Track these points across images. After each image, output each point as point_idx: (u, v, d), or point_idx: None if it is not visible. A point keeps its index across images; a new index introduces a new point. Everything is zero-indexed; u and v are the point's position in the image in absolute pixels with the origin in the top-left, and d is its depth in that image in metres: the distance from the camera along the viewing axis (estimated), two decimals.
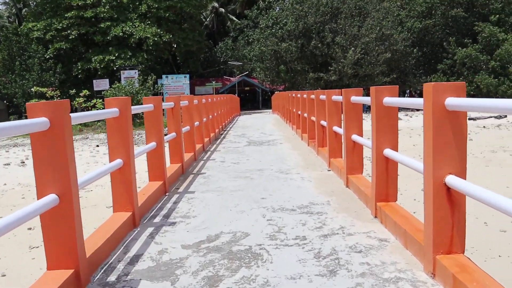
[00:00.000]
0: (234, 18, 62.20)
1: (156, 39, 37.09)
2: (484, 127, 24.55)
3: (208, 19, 64.67)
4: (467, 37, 41.79)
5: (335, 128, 6.69)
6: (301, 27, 36.64)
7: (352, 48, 35.08)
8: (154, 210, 4.72)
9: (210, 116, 11.82)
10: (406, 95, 53.64)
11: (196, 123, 9.25)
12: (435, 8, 43.30)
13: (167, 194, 5.47)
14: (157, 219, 4.38)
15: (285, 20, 37.64)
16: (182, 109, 8.18)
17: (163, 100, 6.38)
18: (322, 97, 7.92)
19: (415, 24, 42.73)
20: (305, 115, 10.39)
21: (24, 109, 31.09)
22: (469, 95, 39.51)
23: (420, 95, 48.67)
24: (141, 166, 6.43)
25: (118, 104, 4.11)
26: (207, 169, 7.18)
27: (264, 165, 7.38)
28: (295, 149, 9.39)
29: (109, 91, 27.36)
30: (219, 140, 12.10)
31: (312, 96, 9.19)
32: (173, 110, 6.90)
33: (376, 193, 4.10)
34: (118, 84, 27.78)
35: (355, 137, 5.35)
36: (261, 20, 41.27)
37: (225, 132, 14.95)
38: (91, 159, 14.76)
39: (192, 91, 45.42)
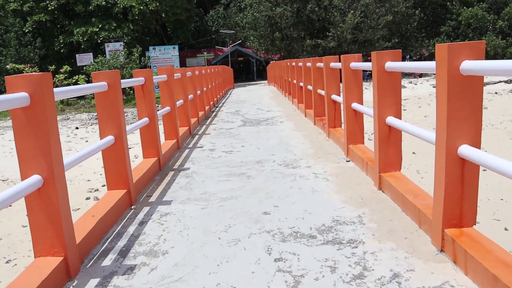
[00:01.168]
0: None
1: (142, 7, 35.14)
2: (496, 93, 23.06)
3: None
4: None
5: (355, 105, 5.23)
6: None
7: (351, 11, 33.18)
8: (107, 241, 3.27)
9: (199, 92, 10.30)
10: (406, 60, 51.95)
11: (179, 101, 7.75)
12: None
13: (132, 207, 4.03)
14: (107, 261, 2.93)
15: None
16: (160, 84, 6.68)
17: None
18: (334, 65, 6.43)
19: None
20: (310, 87, 8.90)
21: (3, 87, 29.30)
22: None
23: (420, 59, 47.10)
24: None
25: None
26: (192, 162, 5.73)
27: (263, 154, 5.93)
28: (299, 129, 7.93)
29: (91, 66, 25.64)
30: (210, 119, 10.61)
31: (320, 64, 7.68)
32: (143, 87, 5.39)
33: (445, 216, 2.66)
34: (101, 58, 26.01)
35: (392, 120, 3.88)
36: None
37: (217, 108, 13.44)
38: (65, 145, 13.28)
39: (183, 63, 43.68)
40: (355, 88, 5.30)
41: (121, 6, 34.80)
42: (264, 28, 37.48)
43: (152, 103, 5.37)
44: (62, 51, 35.80)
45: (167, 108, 6.47)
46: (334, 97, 6.57)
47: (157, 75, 6.50)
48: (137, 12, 34.80)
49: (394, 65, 3.74)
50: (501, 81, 28.21)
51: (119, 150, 3.98)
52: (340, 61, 5.53)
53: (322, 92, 7.70)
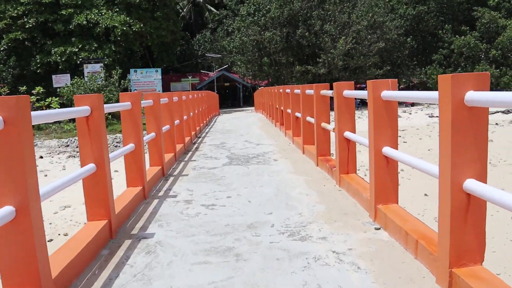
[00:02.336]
0: (212, 9, 59.17)
1: (125, 28, 33.79)
2: (497, 124, 21.96)
3: (185, 10, 61.50)
4: (463, 24, 39.45)
5: (387, 150, 3.78)
6: (286, 14, 33.71)
7: (343, 37, 32.24)
8: None
9: (177, 122, 8.80)
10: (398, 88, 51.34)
11: (150, 135, 6.24)
12: None
13: None
14: None
15: (268, 7, 34.67)
16: (121, 114, 5.17)
17: None
18: (349, 93, 5.05)
19: (407, 10, 40.17)
20: (310, 119, 7.48)
21: None
22: None
23: (409, 87, 46.39)
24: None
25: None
26: (159, 223, 4.18)
27: (257, 212, 4.42)
28: (299, 172, 6.43)
29: (65, 88, 24.02)
30: (190, 153, 9.09)
31: (326, 92, 6.29)
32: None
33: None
34: (76, 79, 24.42)
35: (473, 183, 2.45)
36: (241, 8, 38.17)
37: (200, 139, 11.93)
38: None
39: (167, 87, 42.36)
40: (388, 127, 3.86)
41: (103, 26, 33.39)
42: (252, 53, 36.36)
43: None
44: (38, 71, 34.10)
45: (130, 146, 4.94)
46: (348, 135, 5.13)
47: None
48: (119, 33, 33.41)
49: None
50: (499, 111, 27.26)
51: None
52: (356, 88, 4.36)
53: (328, 127, 6.26)
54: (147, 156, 7.93)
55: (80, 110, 3.46)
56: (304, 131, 7.96)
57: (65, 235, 6.61)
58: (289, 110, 10.36)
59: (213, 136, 12.60)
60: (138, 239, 3.76)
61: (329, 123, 6.57)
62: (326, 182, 5.60)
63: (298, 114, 8.96)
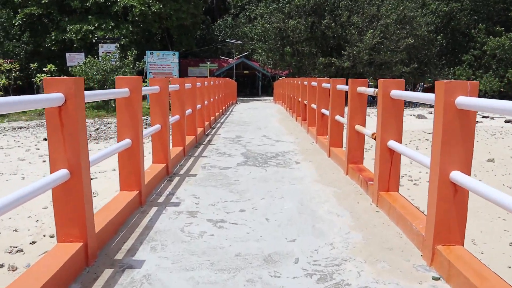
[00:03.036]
0: None
1: (143, 8, 32.96)
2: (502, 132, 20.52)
3: None
4: (498, 25, 37.84)
5: (460, 178, 2.88)
6: (312, 3, 32.54)
7: (371, 30, 31.02)
8: None
9: (189, 111, 7.95)
10: (419, 88, 50.03)
11: (155, 127, 5.41)
12: None
13: None
14: None
15: None
16: (117, 102, 4.32)
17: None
18: (397, 94, 4.16)
19: (440, 6, 38.65)
20: (340, 119, 6.61)
21: None
22: (499, 92, 35.63)
23: (433, 88, 45.06)
24: None
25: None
26: (152, 246, 3.33)
27: (276, 236, 3.55)
28: (326, 181, 5.54)
29: (77, 68, 23.27)
30: (201, 147, 8.23)
31: (364, 90, 5.38)
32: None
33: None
34: (89, 59, 23.66)
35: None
36: None
37: (214, 130, 11.08)
38: (9, 166, 10.93)
39: (185, 73, 41.60)
40: (460, 144, 2.94)
41: (121, 5, 32.59)
42: (274, 41, 35.30)
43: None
44: (53, 48, 33.47)
45: (126, 142, 4.09)
46: (394, 145, 4.22)
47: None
48: (138, 13, 32.58)
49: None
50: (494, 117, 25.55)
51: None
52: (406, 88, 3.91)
53: (365, 131, 5.36)
54: (148, 150, 7.10)
55: (46, 99, 2.61)
56: (332, 131, 7.06)
57: (51, 237, 5.82)
58: (314, 105, 9.45)
59: (229, 127, 11.72)
60: (122, 269, 2.92)
61: (364, 125, 5.66)
62: (360, 198, 4.70)
63: (325, 111, 8.06)
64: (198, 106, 9.24)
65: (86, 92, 2.99)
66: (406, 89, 4.51)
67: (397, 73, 33.73)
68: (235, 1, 54.57)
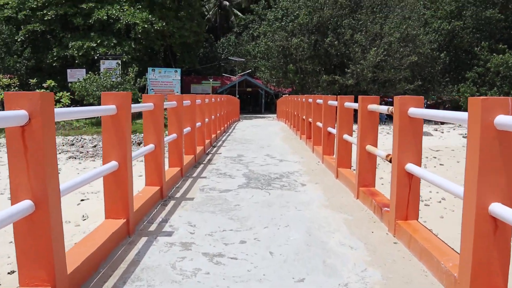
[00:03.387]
0: (238, 13, 58.16)
1: (146, 26, 32.75)
2: None
3: (210, 13, 60.68)
4: (501, 43, 37.53)
5: (501, 212, 2.40)
6: (315, 21, 32.30)
7: (374, 48, 30.72)
8: None
9: (187, 129, 7.50)
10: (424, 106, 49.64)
11: (149, 146, 4.95)
12: (466, 8, 38.99)
13: None
14: None
15: (297, 12, 33.28)
16: (102, 120, 3.86)
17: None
18: (416, 112, 3.70)
19: (442, 25, 38.44)
20: (348, 138, 6.16)
21: None
22: None
23: (436, 104, 44.59)
24: None
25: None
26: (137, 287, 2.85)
27: (282, 277, 3.05)
28: (335, 206, 5.04)
29: (77, 83, 22.95)
30: (201, 167, 7.76)
31: (379, 108, 4.94)
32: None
33: None
34: (89, 75, 23.35)
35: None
36: (268, 13, 36.89)
37: (215, 149, 10.62)
38: None
39: (187, 89, 41.39)
40: (502, 173, 2.47)
41: (124, 22, 32.42)
42: (277, 59, 35.00)
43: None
44: (54, 64, 33.24)
45: (112, 165, 3.62)
46: (413, 169, 3.74)
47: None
48: (140, 30, 32.37)
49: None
50: None
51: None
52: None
53: (378, 152, 4.88)
54: (136, 173, 6.55)
55: (5, 117, 2.20)
56: (340, 150, 6.58)
57: (11, 273, 5.30)
58: (319, 124, 8.99)
59: (230, 146, 11.26)
60: None
61: (376, 145, 5.19)
62: (374, 226, 4.21)
63: (332, 130, 7.60)
64: (198, 124, 8.80)
65: (57, 110, 2.57)
66: None
67: (401, 90, 33.34)
68: (238, 20, 54.56)
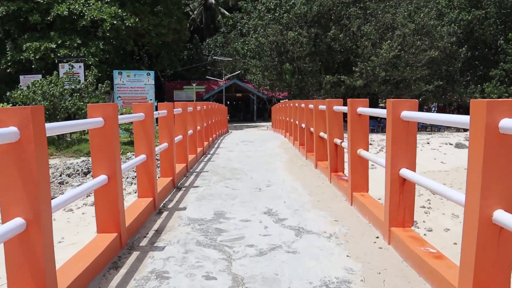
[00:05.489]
0: (225, 12, 54.94)
1: (115, 22, 29.01)
2: None
3: (195, 12, 57.48)
4: None
5: None
6: (315, 11, 28.55)
7: (388, 41, 27.02)
8: None
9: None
10: (433, 109, 46.22)
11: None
12: None
13: None
14: None
15: (292, 1, 29.55)
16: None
17: None
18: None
19: (461, 15, 34.85)
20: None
21: None
22: None
23: (444, 108, 41.24)
24: None
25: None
26: None
27: None
28: None
29: (18, 92, 19.04)
30: (130, 264, 3.85)
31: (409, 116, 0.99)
32: None
33: None
34: (34, 81, 19.44)
35: None
36: (258, 4, 33.15)
37: (179, 194, 6.69)
38: None
39: (170, 97, 37.81)
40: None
41: (89, 18, 28.61)
42: (271, 57, 31.24)
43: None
44: (9, 70, 29.34)
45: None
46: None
47: None
48: (108, 28, 28.56)
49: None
50: None
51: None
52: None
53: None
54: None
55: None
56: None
57: None
58: (343, 145, 5.09)
59: (206, 186, 7.25)
60: None
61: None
62: None
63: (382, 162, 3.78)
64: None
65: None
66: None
67: (416, 92, 29.74)
68: (225, 19, 50.92)
